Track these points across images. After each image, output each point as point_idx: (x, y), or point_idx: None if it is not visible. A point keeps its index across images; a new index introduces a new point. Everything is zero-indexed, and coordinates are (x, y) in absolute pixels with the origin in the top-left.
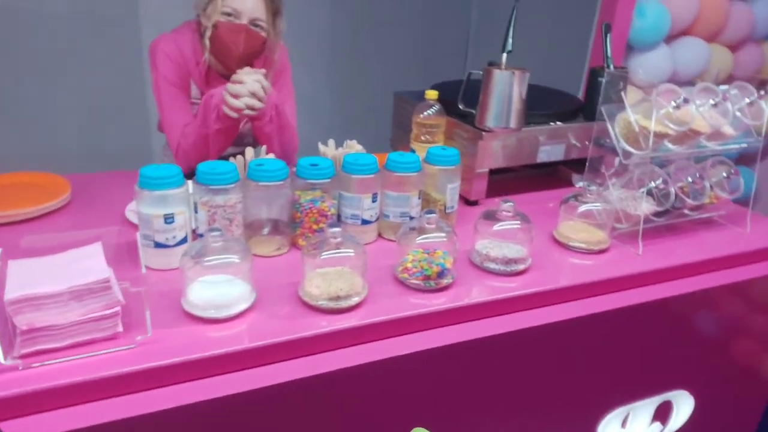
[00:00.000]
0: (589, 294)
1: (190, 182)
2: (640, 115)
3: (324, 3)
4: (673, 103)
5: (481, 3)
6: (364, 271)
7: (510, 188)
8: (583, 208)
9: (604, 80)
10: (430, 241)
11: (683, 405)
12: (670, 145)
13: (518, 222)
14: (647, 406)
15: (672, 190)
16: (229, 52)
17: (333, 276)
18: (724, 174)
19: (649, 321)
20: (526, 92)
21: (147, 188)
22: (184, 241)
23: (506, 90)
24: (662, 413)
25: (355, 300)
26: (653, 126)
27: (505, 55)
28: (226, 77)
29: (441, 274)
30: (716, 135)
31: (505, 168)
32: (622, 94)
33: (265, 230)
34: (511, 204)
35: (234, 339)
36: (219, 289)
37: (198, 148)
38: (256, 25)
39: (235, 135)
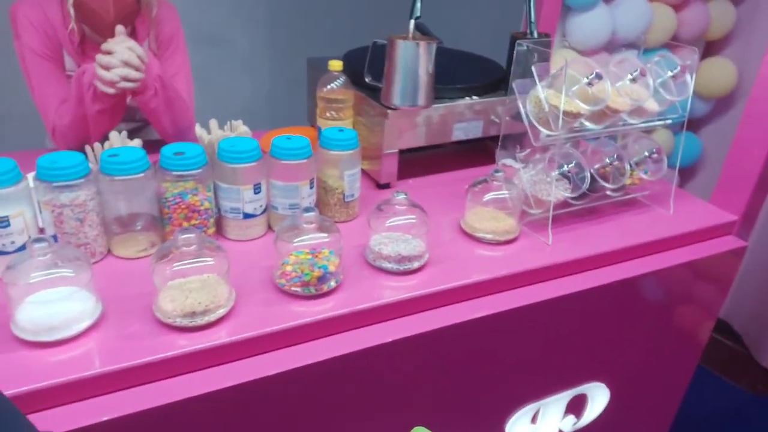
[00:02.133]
0: (491, 291)
1: (30, 176)
2: (553, 92)
3: None
4: (585, 79)
5: None
6: (228, 279)
7: (427, 167)
8: (489, 195)
9: (522, 49)
10: (308, 243)
11: (598, 397)
12: (587, 124)
13: (413, 217)
14: (559, 401)
15: (587, 173)
16: (99, 17)
17: (193, 286)
18: (646, 153)
19: (559, 315)
20: (433, 65)
21: None
22: (25, 246)
23: (412, 63)
24: (576, 406)
25: (217, 314)
26: (563, 104)
27: (412, 22)
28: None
29: (322, 279)
30: (639, 111)
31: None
32: (533, 67)
33: (128, 228)
34: (405, 196)
35: (67, 366)
36: (53, 307)
37: (76, 128)
38: None
39: (121, 112)
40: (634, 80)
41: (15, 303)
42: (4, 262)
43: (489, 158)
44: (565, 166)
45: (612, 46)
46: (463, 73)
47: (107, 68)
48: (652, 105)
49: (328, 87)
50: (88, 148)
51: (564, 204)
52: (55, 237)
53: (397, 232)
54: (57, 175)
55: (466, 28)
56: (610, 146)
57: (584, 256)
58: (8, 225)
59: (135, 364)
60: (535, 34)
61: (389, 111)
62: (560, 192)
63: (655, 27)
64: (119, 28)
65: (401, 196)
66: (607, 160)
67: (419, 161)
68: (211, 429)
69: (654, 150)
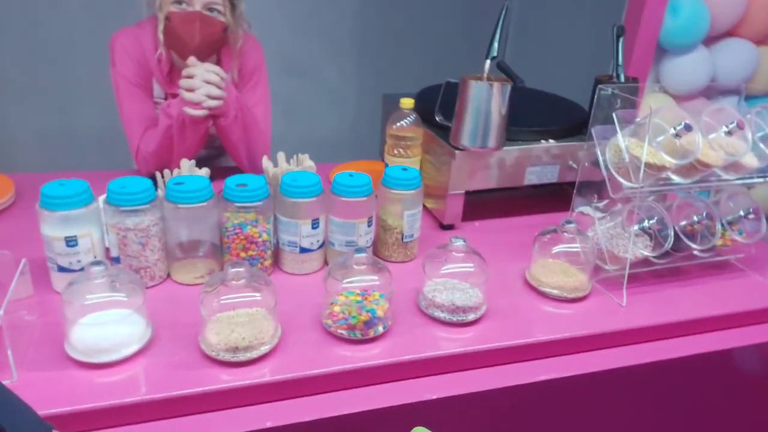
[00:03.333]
0: (554, 353)
1: (101, 198)
2: (635, 141)
3: None
4: (673, 130)
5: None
6: (275, 315)
7: (496, 209)
8: (559, 247)
9: (605, 93)
10: (357, 284)
11: None
12: (674, 177)
13: (471, 265)
14: None
15: (671, 230)
16: (185, 43)
17: (240, 320)
18: (742, 212)
19: (630, 386)
20: (507, 107)
21: (47, 208)
22: None
23: (483, 104)
24: None
25: (260, 351)
26: (645, 156)
27: (488, 62)
28: None
29: (369, 323)
30: (735, 166)
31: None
32: (614, 114)
33: (189, 255)
34: (463, 243)
35: (110, 390)
36: (104, 330)
37: (159, 157)
38: (212, 10)
39: (203, 142)
40: (729, 133)
41: (70, 322)
42: (68, 280)
43: (565, 204)
44: (646, 221)
45: (710, 92)
46: (542, 115)
47: (191, 90)
48: (750, 160)
49: (398, 124)
50: (158, 174)
51: (643, 263)
52: (118, 259)
53: (454, 279)
54: (124, 199)
55: (553, 70)
56: (700, 202)
57: (663, 322)
58: (76, 244)
59: (174, 396)
60: (622, 78)
61: (457, 152)
62: (639, 249)
63: (762, 72)
64: (191, 60)
65: (459, 242)
66: (695, 218)
67: (488, 203)
68: None
69: (751, 209)
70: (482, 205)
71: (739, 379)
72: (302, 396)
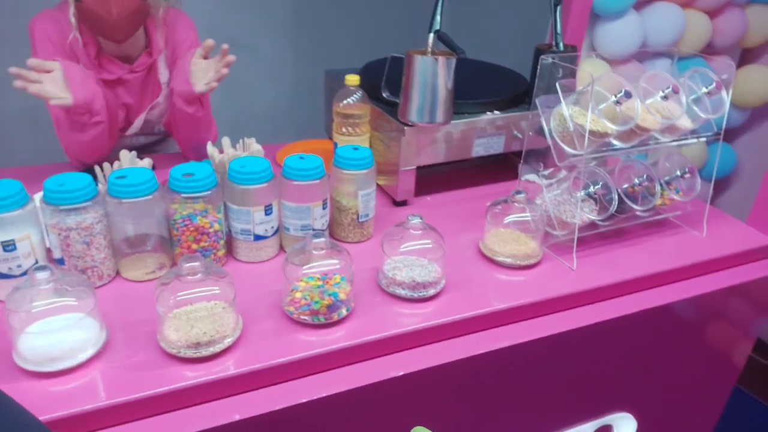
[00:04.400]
0: (512, 320)
1: (37, 196)
2: (578, 109)
3: None
4: (613, 97)
5: None
6: (235, 307)
7: (447, 183)
8: (510, 217)
9: (546, 62)
10: (318, 269)
11: (625, 428)
12: (615, 142)
13: (429, 241)
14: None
15: (615, 194)
16: (102, 20)
17: (198, 315)
18: (678, 172)
19: (584, 345)
20: (453, 81)
21: None
22: None
23: (430, 79)
24: None
25: (223, 345)
26: (589, 124)
27: (431, 35)
28: (120, 58)
29: (332, 307)
30: (671, 128)
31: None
32: (557, 84)
33: (137, 250)
34: (420, 220)
35: (68, 398)
36: (56, 337)
37: (91, 146)
38: None
39: (116, 130)
40: (666, 97)
41: (17, 331)
42: (10, 286)
43: (512, 173)
44: (592, 186)
45: (643, 55)
46: (485, 87)
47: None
48: (685, 122)
49: (345, 102)
50: (97, 168)
51: (590, 226)
52: (62, 260)
53: (412, 256)
54: (64, 198)
55: (491, 38)
56: (640, 165)
57: (612, 282)
58: (14, 248)
59: (137, 398)
60: (561, 47)
61: (406, 128)
62: (586, 214)
63: (689, 34)
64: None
65: (416, 220)
66: (636, 180)
67: (438, 177)
68: None
69: (687, 169)
70: (433, 179)
71: (682, 330)
72: (270, 385)
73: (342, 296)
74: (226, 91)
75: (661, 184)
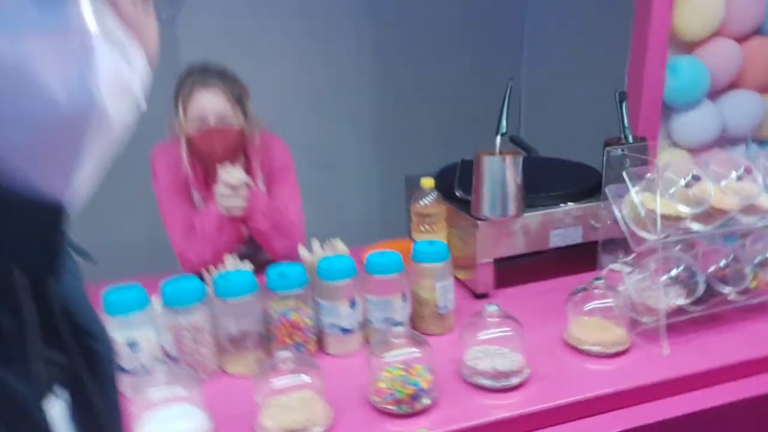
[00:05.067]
0: (601, 410)
1: (154, 299)
2: (649, 195)
3: (371, 59)
4: (682, 182)
5: (530, 79)
6: (324, 396)
7: (528, 275)
8: (592, 304)
9: (615, 154)
10: (399, 359)
11: None
12: (694, 225)
13: (508, 329)
14: None
15: (700, 277)
16: (210, 156)
17: (292, 404)
18: None
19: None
20: (521, 176)
21: (108, 313)
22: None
23: (499, 176)
24: None
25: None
26: (659, 208)
27: (498, 137)
28: None
29: (415, 396)
30: (753, 208)
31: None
32: (624, 173)
33: (239, 347)
34: (496, 308)
35: None
36: (169, 426)
37: (202, 254)
38: (226, 122)
39: (240, 237)
40: (740, 178)
41: (137, 419)
42: (132, 380)
43: (594, 264)
44: (674, 270)
45: (723, 142)
46: (558, 181)
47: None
48: (765, 202)
49: (421, 203)
50: (204, 272)
51: (680, 312)
52: (174, 356)
53: (493, 345)
54: (179, 300)
55: (566, 137)
56: (724, 247)
57: (706, 369)
58: (137, 347)
59: None
60: (630, 139)
61: (479, 222)
62: (672, 299)
63: None
64: (220, 169)
65: (493, 308)
66: (723, 262)
67: (519, 269)
68: None
69: None
70: (513, 271)
71: None
72: None
73: (424, 385)
74: (320, 203)
75: (752, 266)
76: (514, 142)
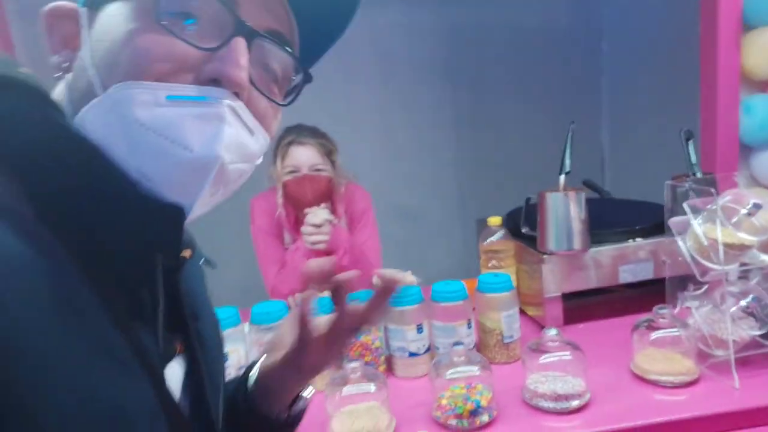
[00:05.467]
0: None
1: (246, 325)
2: (710, 225)
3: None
4: (743, 211)
5: (613, 125)
6: (389, 407)
7: (598, 312)
8: (656, 334)
9: (680, 189)
10: (459, 376)
11: None
12: (763, 256)
13: (567, 353)
14: None
15: None
16: (302, 200)
17: (359, 412)
18: None
19: None
20: (585, 212)
21: None
22: None
23: (562, 212)
24: None
25: None
26: (720, 236)
27: (563, 177)
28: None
29: (474, 413)
30: None
31: (600, 289)
32: (684, 204)
33: None
34: (556, 332)
35: None
36: None
37: (291, 288)
38: (317, 170)
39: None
40: None
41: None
42: None
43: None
44: (744, 301)
45: None
46: (629, 218)
47: (309, 234)
48: None
49: (489, 240)
50: (290, 298)
51: (756, 345)
52: None
53: (554, 371)
54: (263, 318)
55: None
56: None
57: None
58: (227, 359)
59: None
60: (698, 175)
61: (545, 256)
62: (744, 330)
63: None
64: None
65: (552, 332)
66: None
67: (590, 306)
68: None
69: None
70: (584, 308)
71: None
72: None
73: (484, 403)
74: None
75: None
76: (587, 185)
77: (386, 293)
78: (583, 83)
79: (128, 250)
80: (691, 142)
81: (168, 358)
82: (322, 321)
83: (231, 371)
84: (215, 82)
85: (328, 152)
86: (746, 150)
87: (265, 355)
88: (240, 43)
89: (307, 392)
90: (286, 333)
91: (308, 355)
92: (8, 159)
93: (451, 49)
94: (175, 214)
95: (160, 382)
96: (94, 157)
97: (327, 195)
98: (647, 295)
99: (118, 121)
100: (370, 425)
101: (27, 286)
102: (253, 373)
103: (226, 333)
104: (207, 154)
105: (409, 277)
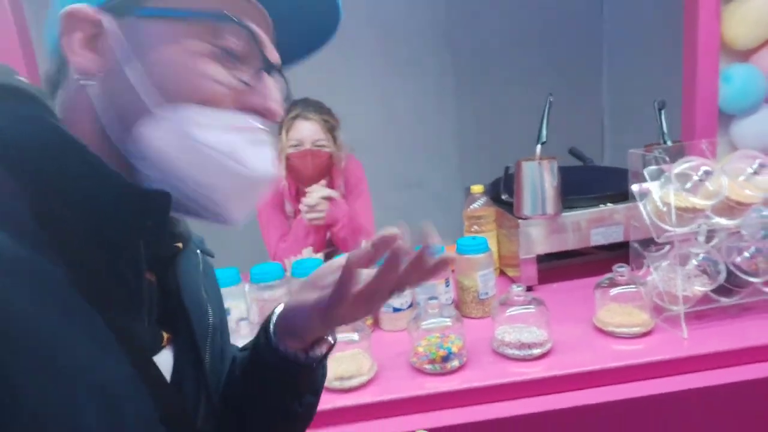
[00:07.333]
0: (613, 381)
1: (246, 285)
2: (666, 191)
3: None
4: (695, 177)
5: (612, 87)
6: (371, 354)
7: (570, 272)
8: (616, 290)
9: (648, 156)
10: (433, 326)
11: None
12: (717, 219)
13: (531, 307)
14: None
15: (722, 265)
16: (303, 174)
17: (345, 358)
18: None
19: (693, 412)
20: (558, 180)
21: None
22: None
23: (537, 179)
24: None
25: (360, 380)
26: (673, 201)
27: (539, 146)
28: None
29: (446, 358)
30: None
31: (576, 251)
32: (644, 171)
33: None
34: (521, 288)
35: None
36: None
37: (291, 255)
38: (319, 145)
39: (323, 243)
40: (755, 173)
41: None
42: None
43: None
44: (694, 260)
45: None
46: (604, 185)
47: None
48: None
49: (472, 207)
50: (286, 260)
51: (707, 300)
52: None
53: (520, 324)
54: (261, 277)
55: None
56: (747, 240)
57: (725, 350)
58: (229, 313)
59: None
60: (668, 143)
61: (520, 221)
62: (696, 287)
63: None
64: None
65: (518, 288)
66: (747, 254)
67: (564, 268)
68: None
69: None
70: (558, 269)
71: None
72: (395, 416)
73: (455, 350)
74: (401, 218)
75: None
76: (573, 153)
77: (397, 255)
78: (584, 49)
79: (118, 238)
80: (663, 112)
81: (156, 348)
82: (364, 275)
83: (232, 324)
84: (255, 111)
85: (331, 128)
86: (726, 118)
87: (294, 294)
88: (271, 80)
89: (331, 338)
90: (324, 277)
91: (340, 307)
92: (5, 159)
93: (451, 16)
94: (162, 200)
95: (147, 364)
96: (83, 154)
97: (327, 170)
98: (618, 258)
99: (180, 140)
100: (354, 368)
101: (14, 277)
102: (278, 310)
103: (228, 290)
104: (266, 172)
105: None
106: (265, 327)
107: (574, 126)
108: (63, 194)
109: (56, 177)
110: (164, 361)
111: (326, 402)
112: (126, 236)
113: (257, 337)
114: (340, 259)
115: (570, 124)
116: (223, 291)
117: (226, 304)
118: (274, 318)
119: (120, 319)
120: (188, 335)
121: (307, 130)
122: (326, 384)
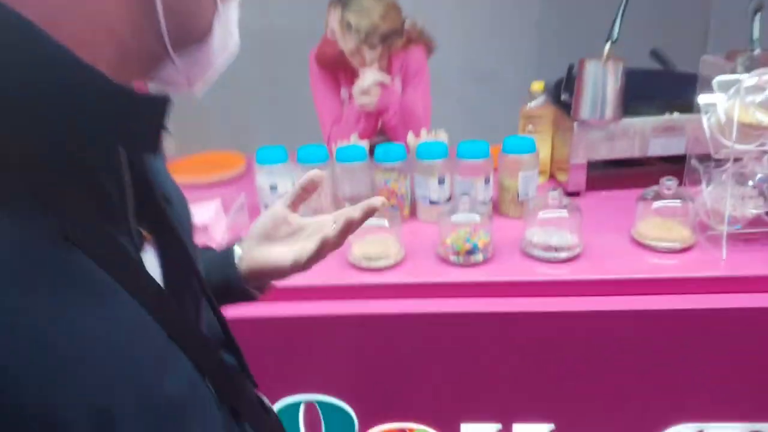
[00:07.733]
0: (638, 291)
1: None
2: (733, 103)
3: None
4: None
5: None
6: (399, 239)
7: (622, 182)
8: (658, 204)
9: (731, 66)
10: (462, 221)
11: None
12: None
13: (564, 211)
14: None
15: None
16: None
17: (375, 241)
18: None
19: (717, 332)
20: (621, 83)
21: (259, 163)
22: None
23: (599, 80)
24: None
25: (386, 262)
26: (736, 116)
27: (608, 44)
28: None
29: (470, 252)
30: None
31: (635, 160)
32: (714, 82)
33: (348, 203)
34: (557, 192)
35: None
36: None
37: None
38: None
39: (375, 129)
40: None
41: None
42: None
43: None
44: (751, 181)
45: None
46: (672, 91)
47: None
48: None
49: (529, 106)
50: (332, 145)
51: (759, 222)
52: None
53: (552, 227)
54: (306, 159)
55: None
56: None
57: (761, 274)
58: (277, 190)
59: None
60: (757, 51)
61: (576, 123)
62: (748, 208)
63: None
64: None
65: (555, 192)
66: None
67: (618, 176)
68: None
69: None
70: (611, 177)
71: None
72: (415, 297)
73: (480, 245)
74: (474, 118)
75: None
76: (655, 55)
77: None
78: None
79: (100, 144)
80: (759, 15)
81: (139, 248)
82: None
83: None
84: None
85: (388, 12)
86: None
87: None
88: None
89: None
90: (276, 228)
91: (318, 258)
92: None
93: None
94: (162, 104)
95: (139, 268)
96: (67, 59)
97: (384, 53)
98: (675, 173)
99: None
100: (381, 250)
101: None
102: (238, 252)
103: (276, 167)
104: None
105: (442, 134)
106: (231, 263)
107: (674, 26)
108: (41, 102)
109: (37, 84)
110: (149, 261)
111: (352, 276)
112: (106, 144)
113: (226, 270)
114: (282, 210)
115: (671, 24)
116: (271, 168)
117: (273, 180)
118: (236, 259)
119: (108, 234)
120: (170, 231)
121: (364, 14)
122: (353, 261)
